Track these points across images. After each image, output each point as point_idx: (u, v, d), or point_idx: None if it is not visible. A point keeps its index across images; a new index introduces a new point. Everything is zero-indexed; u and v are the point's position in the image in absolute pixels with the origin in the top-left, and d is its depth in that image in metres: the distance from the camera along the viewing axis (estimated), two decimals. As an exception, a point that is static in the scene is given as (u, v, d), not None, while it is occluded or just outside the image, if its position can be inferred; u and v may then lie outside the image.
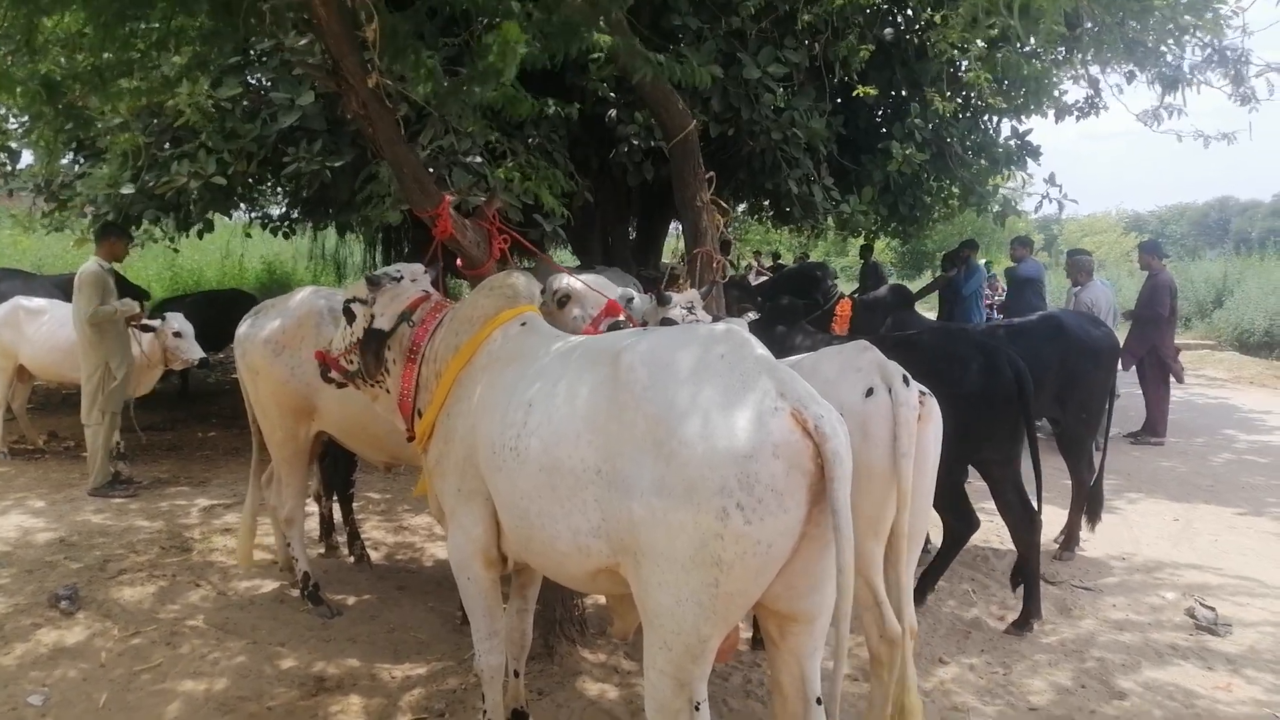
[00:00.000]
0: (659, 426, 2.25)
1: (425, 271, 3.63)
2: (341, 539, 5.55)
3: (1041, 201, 8.84)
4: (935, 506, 4.46)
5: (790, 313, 5.61)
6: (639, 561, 2.31)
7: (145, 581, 4.93)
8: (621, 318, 3.59)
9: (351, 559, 5.41)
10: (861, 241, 13.46)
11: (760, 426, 2.17)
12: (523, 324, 3.12)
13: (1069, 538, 5.71)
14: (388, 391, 3.41)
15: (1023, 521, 4.60)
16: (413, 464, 4.71)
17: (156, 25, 3.63)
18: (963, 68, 6.48)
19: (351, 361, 3.44)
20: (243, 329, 4.59)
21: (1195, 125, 7.81)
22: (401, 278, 3.51)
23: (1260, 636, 4.53)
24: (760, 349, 2.42)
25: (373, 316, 3.39)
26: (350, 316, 3.46)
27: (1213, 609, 4.79)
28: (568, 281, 3.75)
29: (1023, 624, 4.55)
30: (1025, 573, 4.60)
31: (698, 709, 2.38)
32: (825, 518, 2.23)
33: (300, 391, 4.41)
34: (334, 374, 3.55)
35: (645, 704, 2.43)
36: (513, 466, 2.64)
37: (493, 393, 2.88)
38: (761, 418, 2.18)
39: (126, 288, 7.91)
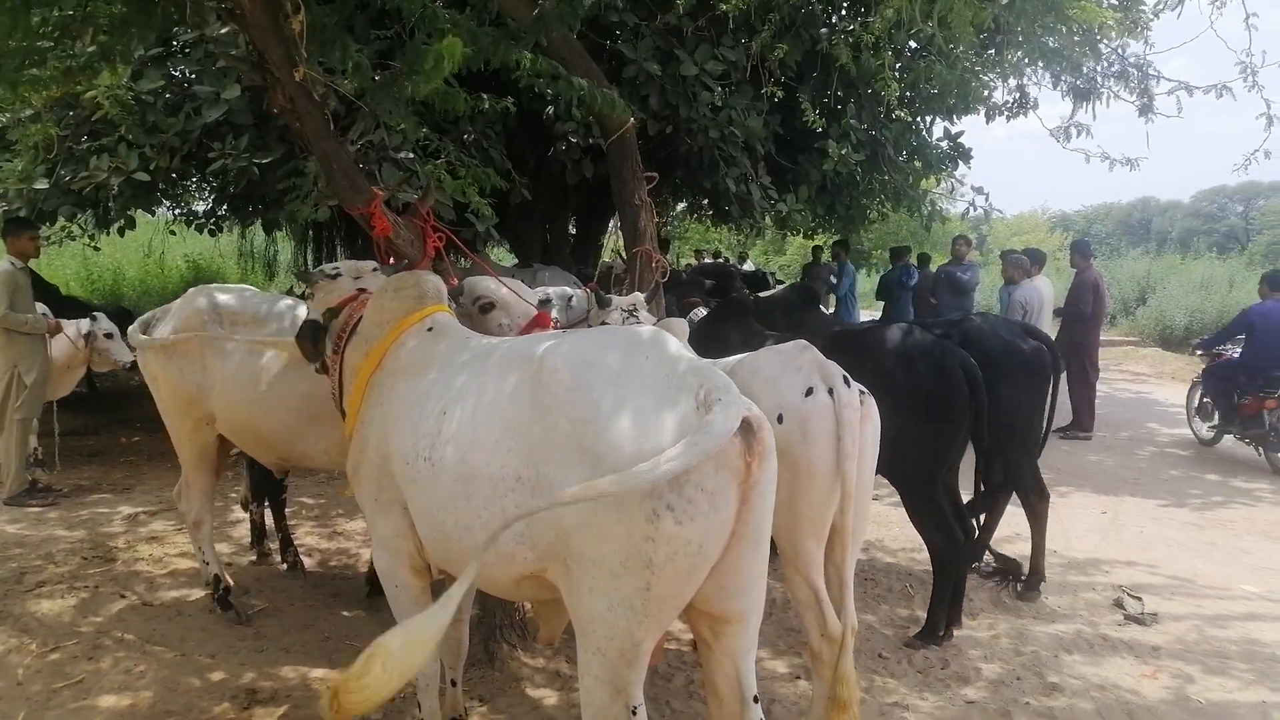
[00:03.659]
0: (585, 430, 2.21)
1: (375, 270, 3.56)
2: (274, 545, 5.39)
3: (969, 208, 9.09)
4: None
5: (738, 309, 5.54)
6: (568, 567, 2.27)
7: (65, 594, 4.71)
8: (552, 329, 3.55)
9: (284, 566, 5.26)
10: (801, 239, 13.62)
11: (688, 427, 2.13)
12: (429, 328, 3.05)
13: (1033, 574, 5.08)
14: None
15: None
16: (300, 465, 4.70)
17: (71, 12, 3.46)
18: (875, 79, 6.55)
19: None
20: (139, 337, 4.52)
21: (1101, 145, 8.11)
22: (339, 275, 3.46)
23: (1185, 627, 4.68)
24: (684, 349, 2.39)
25: (309, 311, 3.41)
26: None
27: (1140, 599, 4.94)
28: (492, 287, 3.68)
29: (926, 636, 4.38)
30: (938, 590, 4.42)
31: (634, 713, 2.35)
32: (753, 516, 2.22)
33: (191, 394, 4.40)
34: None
35: (582, 711, 2.38)
36: (427, 477, 2.58)
37: (403, 401, 2.81)
38: (688, 418, 2.14)
39: (39, 286, 7.57)
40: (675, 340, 2.42)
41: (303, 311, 4.47)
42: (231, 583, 4.63)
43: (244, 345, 4.34)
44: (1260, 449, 8.36)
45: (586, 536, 2.19)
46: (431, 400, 2.66)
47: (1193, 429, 9.51)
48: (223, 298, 4.52)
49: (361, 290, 3.45)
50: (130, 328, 4.68)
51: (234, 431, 4.47)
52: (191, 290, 4.64)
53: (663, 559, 2.13)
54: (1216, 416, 8.92)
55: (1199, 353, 9.83)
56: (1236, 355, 8.77)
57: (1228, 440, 8.94)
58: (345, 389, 3.25)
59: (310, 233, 12.75)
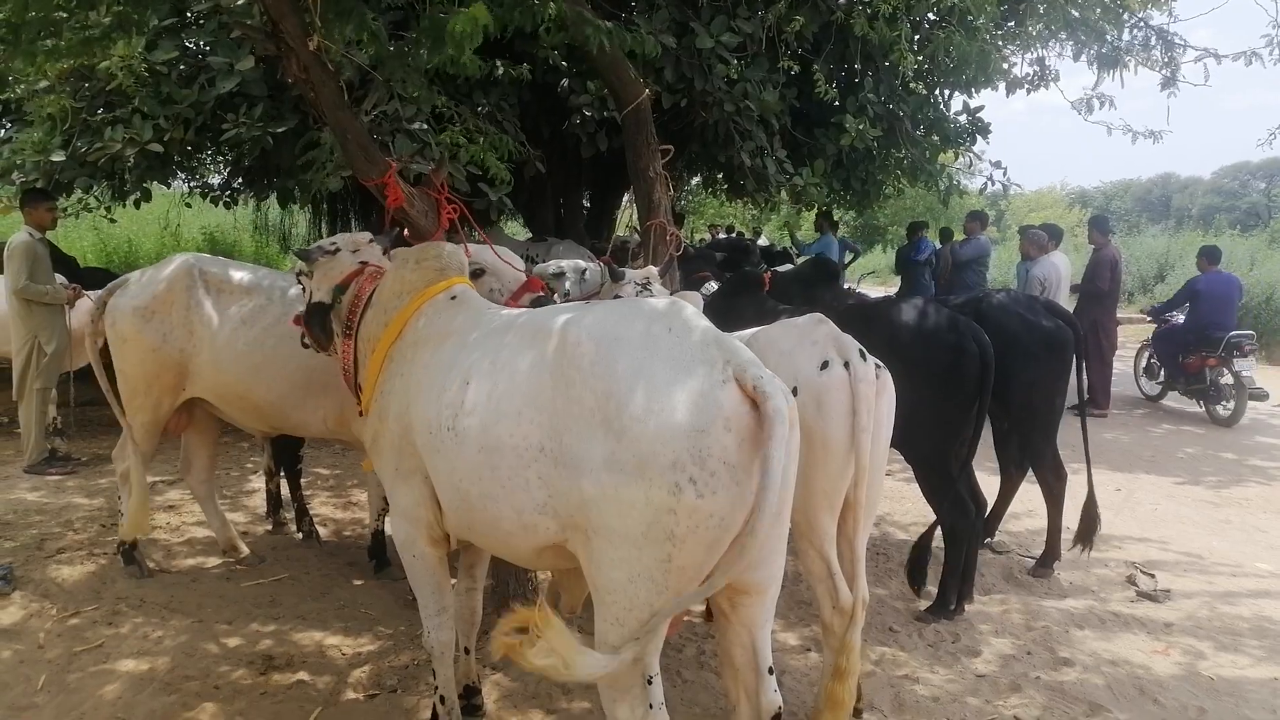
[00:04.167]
0: (608, 402, 2.21)
1: (371, 241, 3.54)
2: (289, 515, 5.45)
3: (986, 183, 8.98)
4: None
5: (751, 283, 5.52)
6: (589, 538, 2.28)
7: (84, 560, 4.78)
8: (542, 294, 3.54)
9: (299, 535, 5.32)
10: (815, 214, 13.52)
11: (711, 399, 2.14)
12: (452, 297, 3.04)
13: (1048, 551, 5.08)
14: None
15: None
16: (291, 434, 4.73)
17: (84, -19, 3.45)
18: (890, 50, 6.45)
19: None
20: (111, 300, 4.51)
21: (1124, 118, 7.97)
22: (337, 250, 3.42)
23: (1197, 604, 4.67)
24: (705, 321, 2.38)
25: (312, 290, 3.35)
26: (304, 289, 3.47)
27: (1153, 576, 4.93)
28: (483, 253, 3.69)
29: (938, 610, 4.40)
30: (949, 565, 4.41)
31: (650, 682, 2.37)
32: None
33: (172, 359, 4.39)
34: (308, 340, 3.51)
35: (599, 680, 2.40)
36: (451, 447, 2.58)
37: (426, 371, 2.81)
38: (711, 390, 2.15)
39: (58, 258, 7.61)
40: (697, 313, 2.41)
41: (285, 283, 4.46)
42: (138, 540, 4.63)
43: (235, 315, 4.36)
44: (1201, 402, 9.62)
45: (609, 508, 2.19)
46: (454, 371, 2.66)
47: (1140, 387, 10.72)
48: (209, 265, 4.53)
49: (364, 264, 3.43)
50: (100, 292, 4.65)
51: (221, 398, 4.47)
52: (179, 258, 4.61)
53: (685, 531, 2.14)
54: (1163, 374, 10.05)
55: (1149, 319, 10.84)
56: (1181, 321, 9.83)
57: (1174, 396, 10.08)
58: (359, 362, 3.24)
59: (325, 205, 12.73)
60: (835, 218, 14.35)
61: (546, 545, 2.46)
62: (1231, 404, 9.24)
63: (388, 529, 4.60)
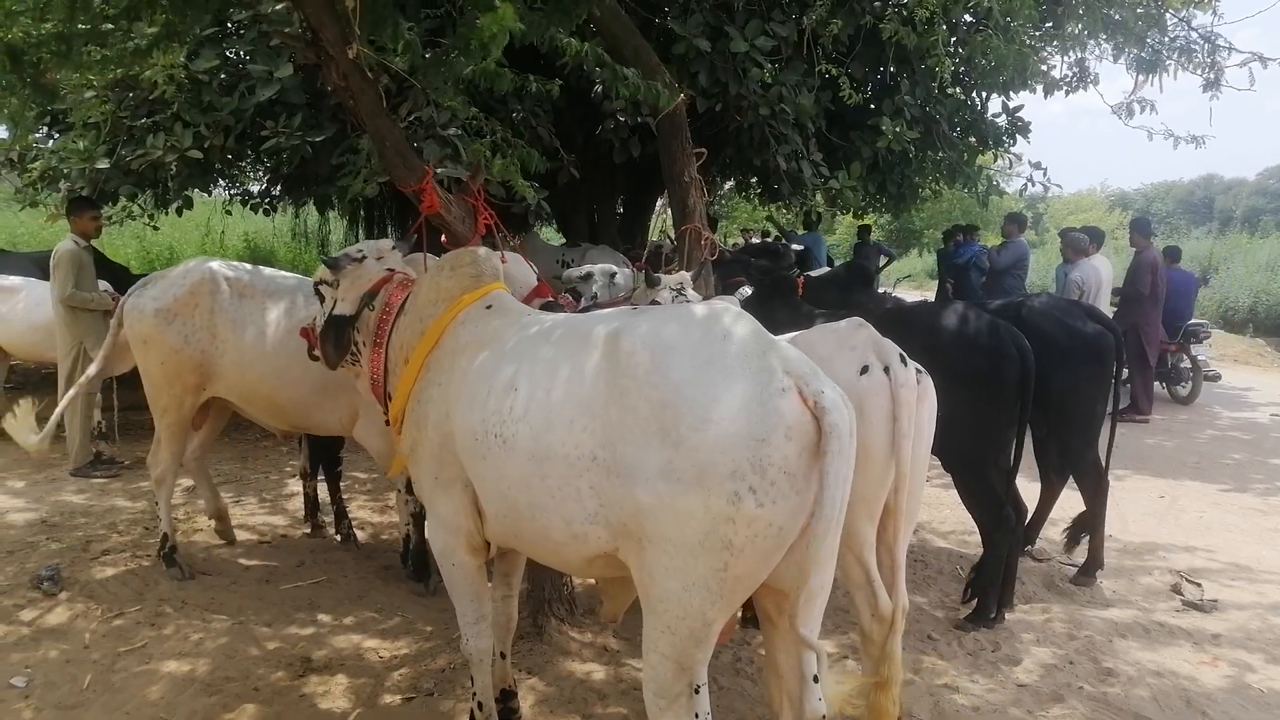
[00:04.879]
0: (665, 411, 2.18)
1: (394, 248, 3.52)
2: (328, 519, 5.50)
3: (1026, 184, 8.85)
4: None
5: (785, 288, 5.49)
6: (643, 547, 2.25)
7: (128, 562, 4.86)
8: (552, 300, 3.53)
9: (338, 538, 5.36)
10: (850, 219, 13.43)
11: (771, 408, 2.12)
12: (488, 306, 3.02)
13: (1090, 559, 4.98)
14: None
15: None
16: (311, 432, 4.82)
17: (131, -7, 3.51)
18: (926, 55, 6.37)
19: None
20: (130, 301, 4.63)
21: (1164, 123, 7.81)
22: (364, 257, 3.38)
23: (1247, 615, 4.56)
24: (759, 328, 2.35)
25: (336, 301, 3.30)
26: (321, 299, 3.43)
27: (1200, 585, 4.82)
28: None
29: (977, 618, 4.34)
30: (983, 573, 4.39)
31: (697, 692, 2.35)
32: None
33: (194, 359, 4.50)
34: (316, 352, 3.49)
35: (645, 687, 2.39)
36: (499, 455, 2.55)
37: (466, 379, 2.78)
38: (771, 399, 2.13)
39: (106, 266, 7.76)
40: (752, 320, 2.38)
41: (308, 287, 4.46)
42: (177, 542, 4.80)
43: (259, 318, 4.48)
44: (1164, 384, 10.62)
45: (665, 517, 2.17)
46: (499, 377, 2.63)
47: None
48: (229, 270, 4.64)
49: (390, 271, 3.41)
50: (128, 295, 4.71)
51: (244, 398, 4.61)
52: (196, 261, 4.75)
53: (743, 541, 2.12)
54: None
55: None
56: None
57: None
58: (391, 372, 3.21)
59: (361, 212, 12.87)
60: (871, 222, 14.25)
61: (597, 555, 2.44)
62: (1189, 385, 10.51)
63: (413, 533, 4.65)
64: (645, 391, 2.23)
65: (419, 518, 4.52)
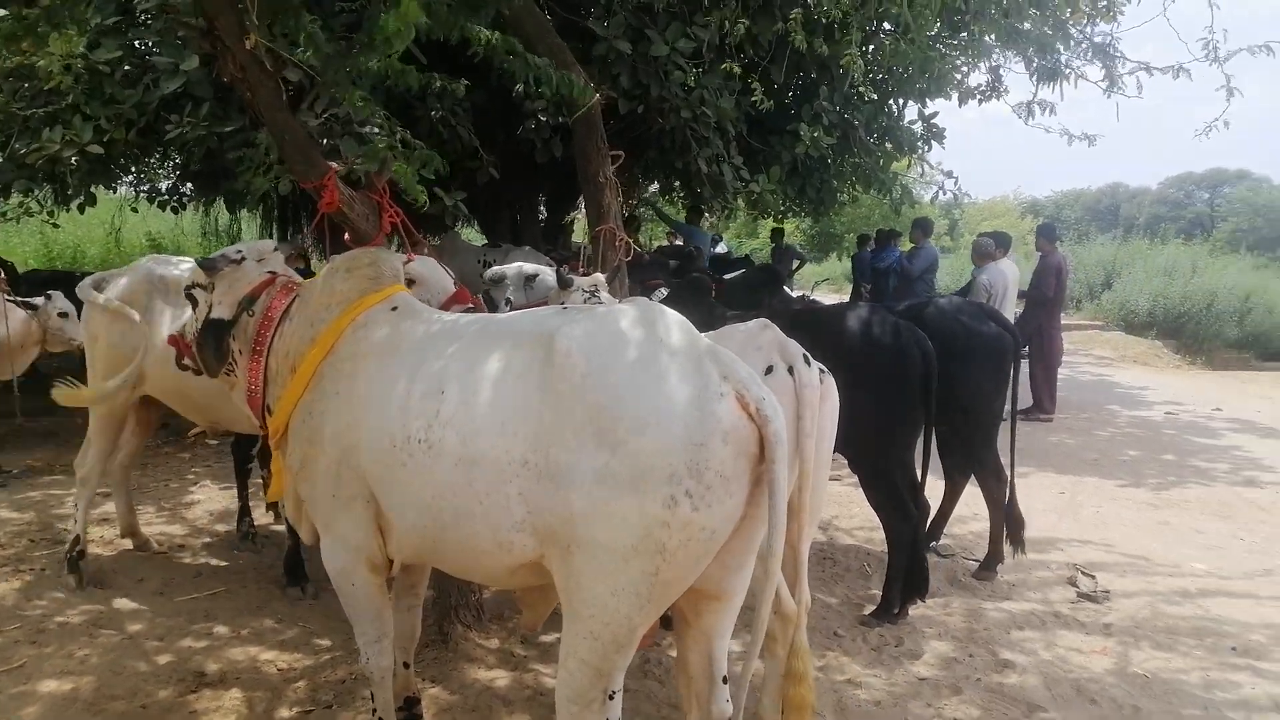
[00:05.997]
0: (602, 414, 2.14)
1: (276, 249, 3.33)
2: (255, 526, 5.32)
3: (937, 191, 9.10)
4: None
5: (698, 290, 5.54)
6: (571, 553, 2.20)
7: (10, 576, 4.62)
8: (471, 305, 3.45)
9: (240, 535, 5.21)
10: (772, 224, 13.61)
11: (709, 413, 2.11)
12: (394, 308, 2.87)
13: (990, 554, 5.11)
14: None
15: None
16: (233, 429, 4.78)
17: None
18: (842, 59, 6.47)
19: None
20: (90, 293, 4.61)
21: (1061, 122, 8.15)
22: (243, 259, 3.17)
23: (1136, 604, 4.74)
24: (697, 333, 2.34)
25: (210, 305, 3.10)
26: (194, 303, 3.21)
27: (1094, 577, 5.00)
28: (409, 264, 3.59)
29: (882, 614, 4.41)
30: (893, 568, 4.44)
31: (611, 698, 2.33)
32: (762, 498, 2.21)
33: (126, 357, 4.45)
34: (187, 360, 3.28)
35: (558, 692, 2.34)
36: (423, 461, 2.42)
37: (377, 384, 2.64)
38: (709, 403, 2.12)
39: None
40: (689, 324, 2.36)
41: None
42: (87, 548, 4.63)
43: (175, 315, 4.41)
44: None
45: (598, 522, 2.13)
46: (420, 380, 2.51)
47: None
48: (170, 270, 4.63)
49: (272, 274, 3.20)
50: (81, 284, 4.71)
51: (164, 393, 4.61)
52: (146, 260, 4.76)
53: (676, 545, 2.11)
54: None
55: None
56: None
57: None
58: (272, 382, 3.00)
59: (275, 210, 12.49)
60: (791, 225, 14.45)
61: (521, 564, 2.37)
62: None
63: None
64: (582, 394, 2.19)
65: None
